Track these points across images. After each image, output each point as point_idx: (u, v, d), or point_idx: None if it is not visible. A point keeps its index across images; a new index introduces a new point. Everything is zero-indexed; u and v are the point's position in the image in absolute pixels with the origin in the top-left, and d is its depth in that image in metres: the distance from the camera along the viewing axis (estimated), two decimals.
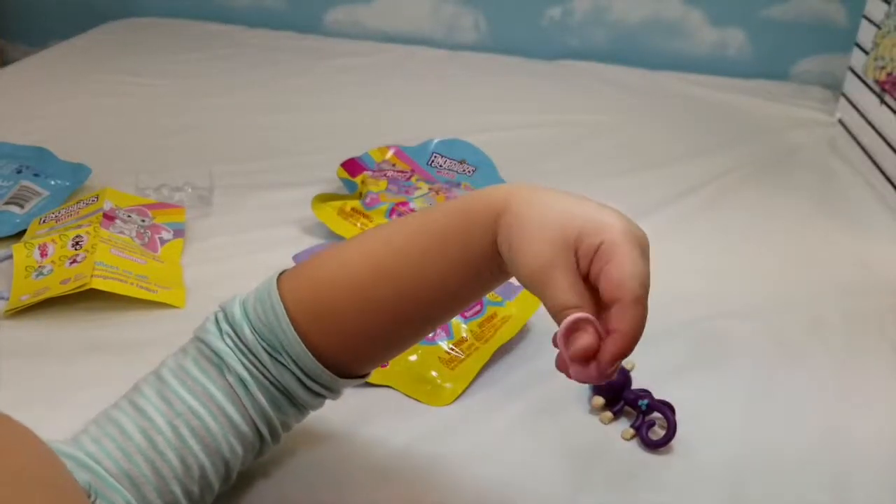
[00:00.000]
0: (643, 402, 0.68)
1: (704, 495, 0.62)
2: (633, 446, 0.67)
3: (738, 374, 0.76)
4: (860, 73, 1.31)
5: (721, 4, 1.62)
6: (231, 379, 0.54)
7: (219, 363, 0.54)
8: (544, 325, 0.80)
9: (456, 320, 0.76)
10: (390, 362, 0.72)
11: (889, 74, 1.19)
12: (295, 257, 0.84)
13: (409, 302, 0.54)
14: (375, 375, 0.72)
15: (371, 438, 0.66)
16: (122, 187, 0.97)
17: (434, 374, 0.72)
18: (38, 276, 0.81)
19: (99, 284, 0.78)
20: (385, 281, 0.53)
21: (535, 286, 0.48)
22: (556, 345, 0.47)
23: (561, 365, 0.47)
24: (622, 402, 0.69)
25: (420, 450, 0.65)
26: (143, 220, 0.91)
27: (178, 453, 0.52)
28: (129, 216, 0.90)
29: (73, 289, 0.78)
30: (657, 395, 0.69)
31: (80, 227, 0.86)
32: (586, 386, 0.71)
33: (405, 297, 0.54)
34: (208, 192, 1.02)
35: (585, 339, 0.45)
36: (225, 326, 0.55)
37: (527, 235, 0.48)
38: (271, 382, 0.55)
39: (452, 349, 0.74)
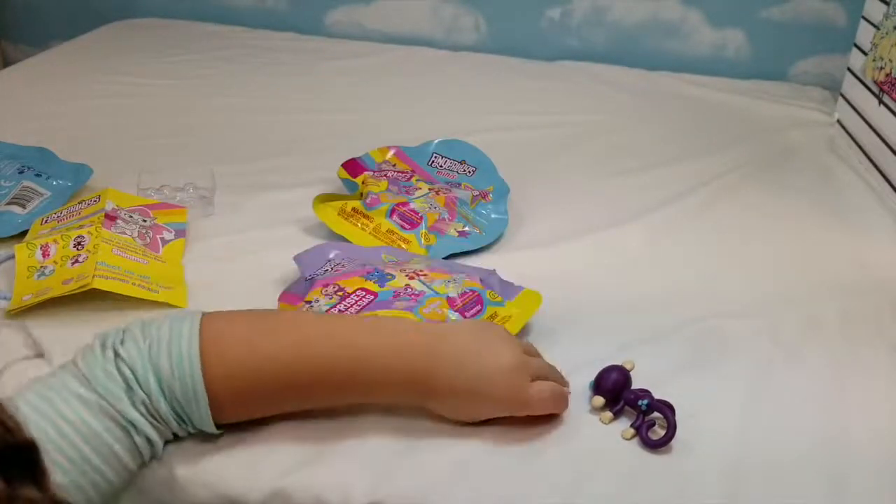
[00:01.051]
0: (643, 402, 0.68)
1: (704, 495, 0.63)
2: (633, 446, 0.67)
3: (738, 373, 0.76)
4: (859, 73, 1.32)
5: (720, 5, 1.63)
6: (139, 440, 0.58)
7: (127, 426, 0.57)
8: (544, 325, 0.80)
9: (456, 320, 0.76)
10: None
11: (888, 75, 1.19)
12: (296, 258, 0.85)
13: (327, 401, 0.66)
14: None
15: (370, 438, 0.66)
16: (124, 188, 0.97)
17: None
18: (39, 276, 0.82)
19: (101, 284, 0.78)
20: (316, 387, 0.62)
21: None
22: None
23: None
24: (622, 402, 0.69)
25: (420, 449, 0.65)
26: (145, 221, 0.91)
27: None
28: (131, 216, 0.91)
29: (75, 289, 0.78)
30: (657, 395, 0.69)
31: (81, 227, 0.86)
32: (586, 386, 0.71)
33: (331, 399, 0.65)
34: (210, 192, 1.02)
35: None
36: (139, 392, 0.57)
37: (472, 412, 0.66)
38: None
39: None
